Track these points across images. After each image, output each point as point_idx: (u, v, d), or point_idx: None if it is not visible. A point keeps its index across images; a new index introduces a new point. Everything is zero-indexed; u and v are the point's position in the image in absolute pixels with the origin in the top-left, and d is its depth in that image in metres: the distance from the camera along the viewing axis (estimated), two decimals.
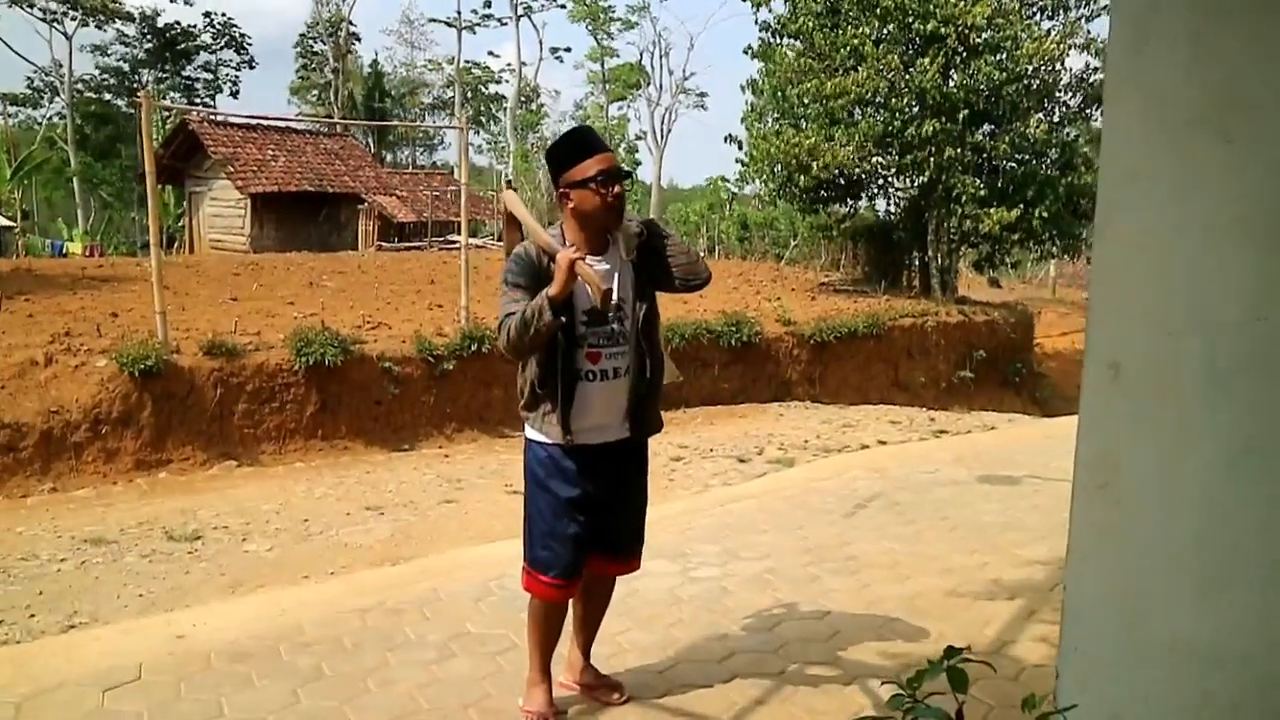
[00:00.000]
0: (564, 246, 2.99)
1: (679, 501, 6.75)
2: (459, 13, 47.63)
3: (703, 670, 3.73)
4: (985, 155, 17.04)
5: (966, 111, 16.23)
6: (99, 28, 42.91)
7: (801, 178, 17.02)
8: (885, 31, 16.76)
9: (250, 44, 49.15)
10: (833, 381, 13.28)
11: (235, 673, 3.67)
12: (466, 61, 51.32)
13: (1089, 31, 17.43)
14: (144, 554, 6.16)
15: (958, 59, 16.53)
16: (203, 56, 48.35)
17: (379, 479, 8.28)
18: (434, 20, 56.29)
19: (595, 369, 3.11)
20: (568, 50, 76.76)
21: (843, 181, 17.81)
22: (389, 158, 51.01)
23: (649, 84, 47.22)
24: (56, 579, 5.70)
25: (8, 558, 6.08)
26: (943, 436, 9.81)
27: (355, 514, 7.16)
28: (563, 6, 46.13)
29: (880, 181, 18.66)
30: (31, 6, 39.21)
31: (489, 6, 46.99)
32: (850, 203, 19.41)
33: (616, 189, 3.04)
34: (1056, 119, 17.83)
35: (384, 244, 26.74)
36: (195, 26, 47.39)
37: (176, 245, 27.81)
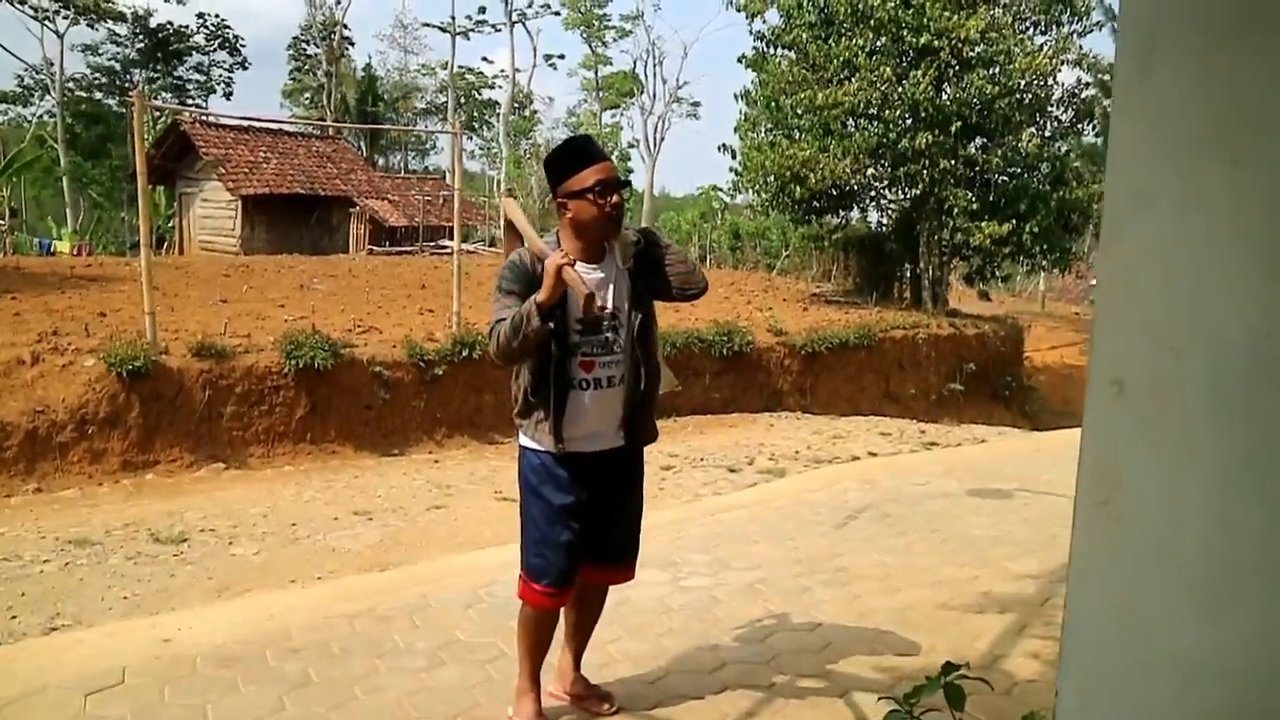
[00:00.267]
0: (562, 252, 2.98)
1: (669, 510, 6.73)
2: (453, 18, 47.65)
3: (694, 681, 3.71)
4: (977, 168, 17.10)
5: (959, 124, 16.29)
6: (91, 26, 42.77)
7: (796, 189, 17.07)
8: (878, 44, 16.83)
9: (243, 45, 49.07)
10: (824, 392, 13.29)
11: (221, 678, 3.64)
12: (460, 67, 51.35)
13: (1081, 47, 17.59)
14: (129, 556, 6.11)
15: (950, 72, 16.60)
16: (195, 57, 48.22)
17: (368, 484, 8.24)
18: (428, 25, 56.09)
19: (589, 377, 3.10)
20: (561, 57, 76.87)
21: (835, 192, 17.85)
22: (381, 162, 50.93)
23: (642, 92, 47.31)
24: (39, 580, 5.64)
25: None
26: (933, 449, 9.82)
27: (344, 519, 7.11)
28: (557, 14, 46.19)
29: (873, 193, 18.72)
30: (23, 4, 39.05)
31: (483, 12, 47.00)
32: (842, 214, 19.48)
33: (615, 199, 3.02)
34: (1048, 133, 17.93)
35: (375, 248, 26.69)
36: (188, 27, 47.32)
37: (166, 246, 27.70)
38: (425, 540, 6.61)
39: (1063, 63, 17.02)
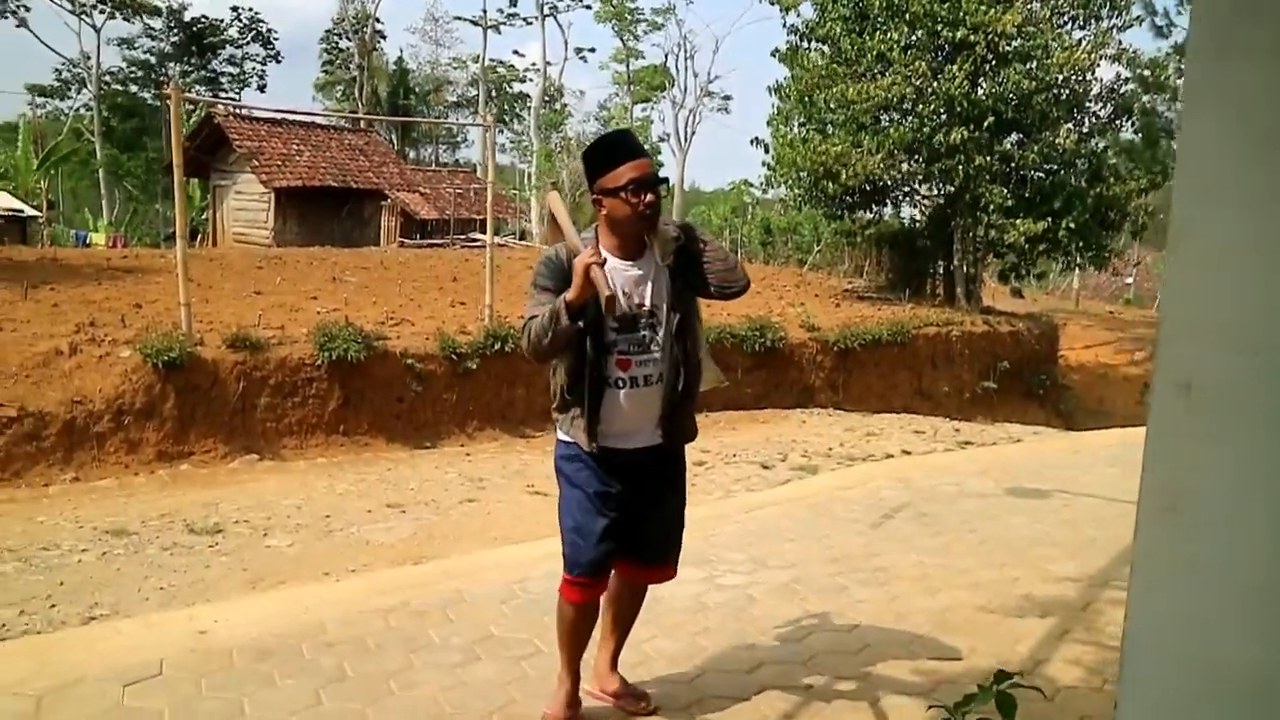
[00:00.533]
0: (592, 250, 2.92)
1: (703, 507, 6.69)
2: (484, 11, 47.63)
3: (730, 681, 3.67)
4: (1013, 164, 16.93)
5: (994, 120, 16.12)
6: (127, 20, 43.18)
7: (829, 184, 16.95)
8: (913, 38, 16.68)
9: (276, 39, 49.39)
10: (856, 389, 13.20)
11: (257, 671, 3.64)
12: (491, 60, 51.38)
13: (1120, 42, 17.32)
14: (165, 546, 6.15)
15: (987, 67, 16.42)
16: (228, 50, 48.59)
17: (400, 476, 8.26)
18: (459, 18, 56.50)
19: (625, 376, 3.05)
20: (592, 51, 76.50)
21: (868, 188, 17.72)
22: (412, 155, 51.16)
23: (673, 86, 47.22)
24: (78, 569, 5.68)
25: (29, 547, 6.08)
26: (968, 448, 9.72)
27: (377, 511, 7.13)
28: (588, 7, 46.07)
29: (906, 189, 18.56)
30: None
31: (514, 5, 46.97)
32: (875, 209, 19.33)
33: (649, 197, 2.95)
34: (1086, 129, 17.70)
35: (406, 240, 26.79)
36: (222, 21, 47.69)
37: (200, 238, 27.94)
38: (458, 534, 6.61)
39: (1101, 58, 16.79)
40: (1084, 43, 16.83)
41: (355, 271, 16.26)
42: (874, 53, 16.72)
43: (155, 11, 43.97)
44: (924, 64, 16.28)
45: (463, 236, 27.17)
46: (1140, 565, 1.58)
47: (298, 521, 6.82)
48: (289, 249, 21.83)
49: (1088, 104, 17.49)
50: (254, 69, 49.50)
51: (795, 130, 18.61)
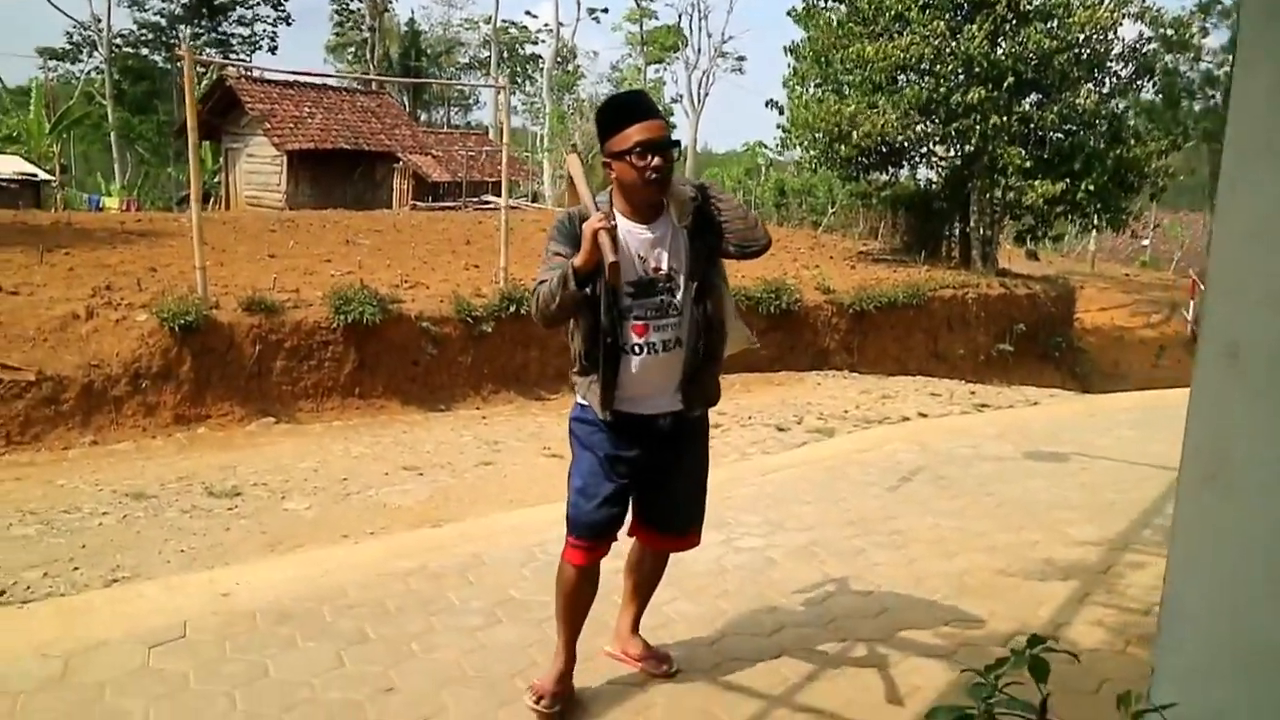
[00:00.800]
0: (604, 214, 2.81)
1: (719, 470, 6.59)
2: None
3: (751, 644, 3.67)
4: (1032, 125, 16.72)
5: (1013, 80, 15.90)
6: None
7: (842, 147, 16.79)
8: None
9: (286, 0, 48.98)
10: (871, 351, 13.15)
11: (279, 634, 3.65)
12: (503, 21, 50.98)
13: (1143, 1, 17.02)
14: (184, 509, 6.18)
15: (1007, 26, 16.19)
16: (239, 12, 48.23)
17: (416, 439, 8.27)
18: None
19: (641, 341, 2.96)
20: (605, 11, 75.96)
21: (884, 149, 17.54)
22: (424, 117, 50.91)
23: (686, 46, 46.77)
24: (99, 532, 5.72)
25: (51, 510, 6.12)
26: (984, 410, 9.68)
27: (393, 474, 7.15)
28: None
29: (923, 150, 18.37)
30: None
31: None
32: (891, 171, 19.15)
33: (656, 161, 2.83)
34: (1107, 90, 17.44)
35: (419, 203, 26.71)
36: None
37: (213, 201, 27.90)
38: (474, 496, 6.62)
39: (1124, 16, 16.53)
40: (1106, 1, 16.55)
41: (368, 234, 16.22)
42: (892, 11, 16.49)
43: None
44: (942, 23, 16.05)
45: (475, 199, 27.07)
46: (1180, 532, 1.55)
47: (315, 484, 6.85)
48: (301, 212, 21.78)
49: (1109, 63, 17.22)
50: (265, 31, 49.15)
51: (811, 91, 18.40)
